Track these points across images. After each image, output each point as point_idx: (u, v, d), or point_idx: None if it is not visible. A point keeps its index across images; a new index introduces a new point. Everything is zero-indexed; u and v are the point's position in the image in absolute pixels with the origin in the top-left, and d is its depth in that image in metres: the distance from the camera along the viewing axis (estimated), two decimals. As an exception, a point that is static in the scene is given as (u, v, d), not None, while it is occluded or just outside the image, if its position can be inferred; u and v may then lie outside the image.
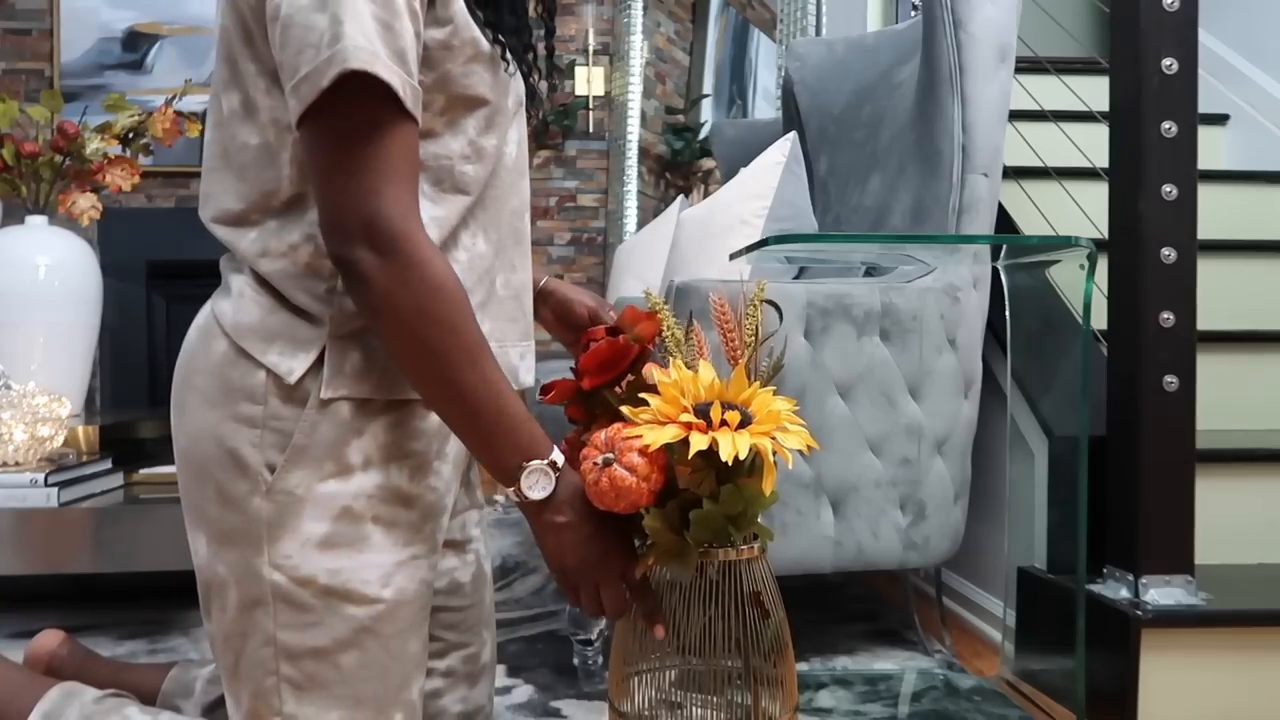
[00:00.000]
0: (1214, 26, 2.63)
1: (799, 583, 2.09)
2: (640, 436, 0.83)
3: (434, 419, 0.94)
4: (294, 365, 0.88)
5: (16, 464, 1.86)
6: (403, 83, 0.81)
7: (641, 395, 0.86)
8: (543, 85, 1.08)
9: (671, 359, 0.90)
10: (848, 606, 2.16)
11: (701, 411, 0.84)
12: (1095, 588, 1.49)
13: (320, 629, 0.89)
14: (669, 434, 0.82)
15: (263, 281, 0.91)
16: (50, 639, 1.30)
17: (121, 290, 3.73)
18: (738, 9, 5.39)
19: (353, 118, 0.81)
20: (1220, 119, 2.72)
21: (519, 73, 0.99)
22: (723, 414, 0.83)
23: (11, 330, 2.32)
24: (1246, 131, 2.69)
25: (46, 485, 1.77)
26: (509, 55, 0.95)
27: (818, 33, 3.43)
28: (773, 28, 4.36)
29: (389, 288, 0.80)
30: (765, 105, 5.30)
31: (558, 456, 0.88)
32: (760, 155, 2.15)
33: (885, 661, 1.78)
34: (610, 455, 0.83)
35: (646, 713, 0.91)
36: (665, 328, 0.94)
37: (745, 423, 0.84)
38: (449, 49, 0.88)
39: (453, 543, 1.09)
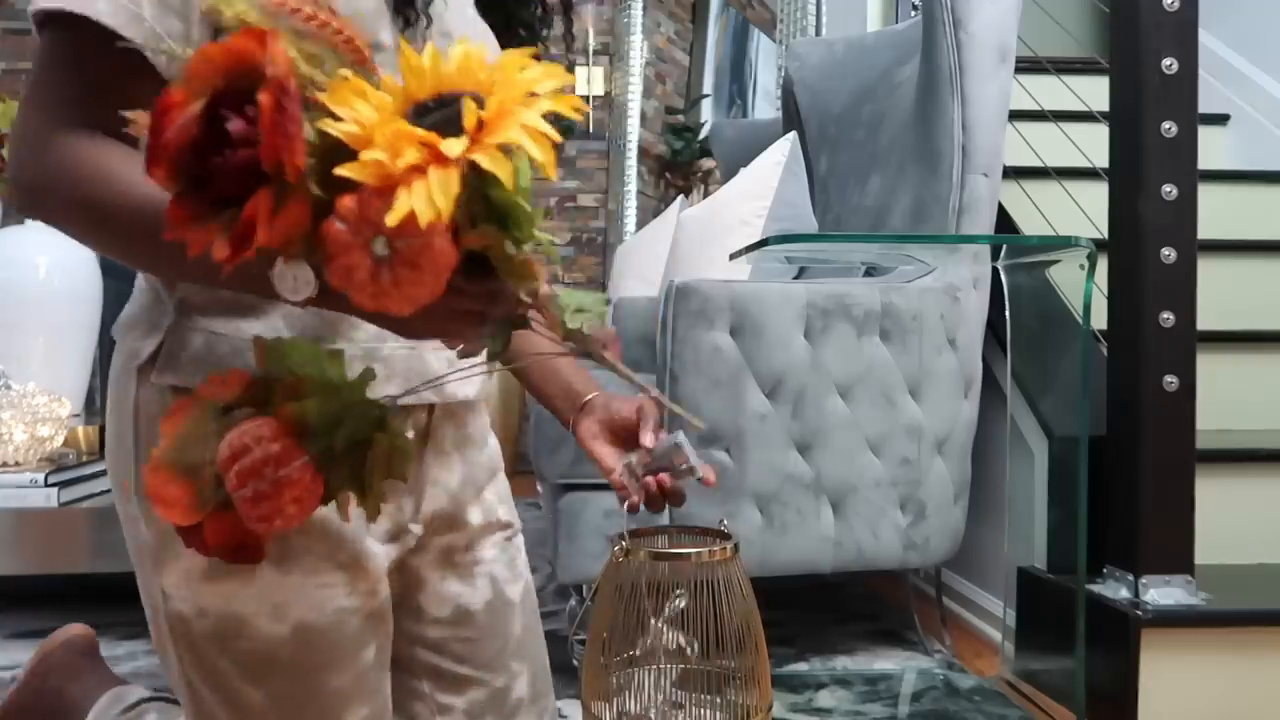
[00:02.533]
0: (1214, 26, 2.63)
1: (799, 583, 2.10)
2: (407, 208, 0.52)
3: None
4: (142, 346, 0.84)
5: (16, 464, 1.86)
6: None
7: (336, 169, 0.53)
8: None
9: (328, 81, 0.57)
10: (848, 606, 2.16)
11: (438, 118, 0.54)
12: (1095, 588, 1.49)
13: (220, 663, 0.84)
14: (448, 181, 0.52)
15: (146, 277, 0.88)
16: (75, 632, 1.35)
17: (121, 290, 3.72)
18: (738, 9, 5.39)
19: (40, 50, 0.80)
20: (1220, 119, 2.72)
21: (433, 17, 0.89)
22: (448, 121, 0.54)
23: (11, 330, 2.33)
24: (1246, 131, 2.69)
25: (46, 485, 1.77)
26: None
27: (818, 33, 3.43)
28: (773, 28, 4.36)
29: (36, 198, 0.75)
30: (765, 105, 5.30)
31: None
32: (760, 155, 2.15)
33: (885, 661, 1.78)
34: (384, 239, 0.54)
35: (626, 713, 0.91)
36: (287, 48, 0.55)
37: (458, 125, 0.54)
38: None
39: (454, 566, 1.00)
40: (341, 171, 0.52)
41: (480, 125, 0.53)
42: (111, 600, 2.12)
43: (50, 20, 0.75)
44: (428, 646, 0.98)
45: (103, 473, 1.97)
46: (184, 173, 0.54)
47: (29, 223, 2.40)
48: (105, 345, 3.44)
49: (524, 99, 0.54)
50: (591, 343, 0.67)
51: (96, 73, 0.75)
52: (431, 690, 0.98)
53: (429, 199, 0.51)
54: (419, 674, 0.98)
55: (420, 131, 0.52)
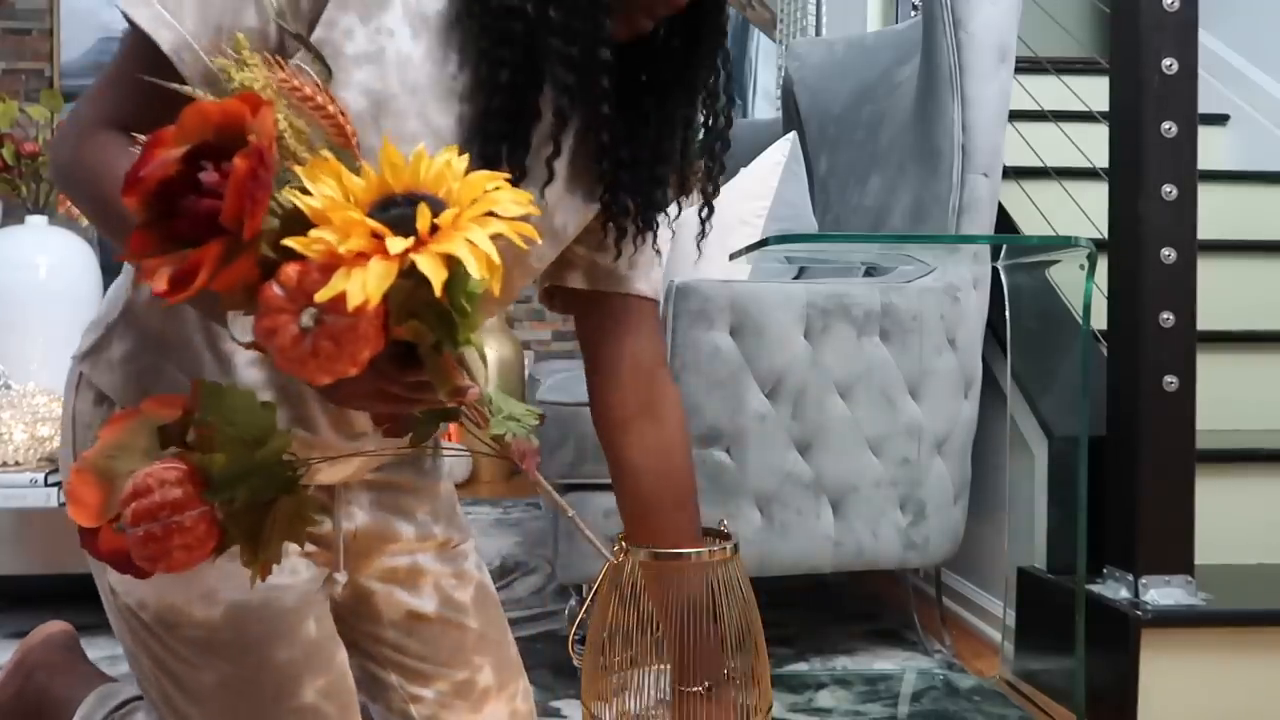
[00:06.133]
0: (1214, 26, 2.63)
1: (799, 583, 2.10)
2: (339, 289, 0.56)
3: None
4: (84, 342, 0.88)
5: (16, 464, 1.86)
6: (150, 20, 0.76)
7: (293, 240, 0.57)
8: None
9: (310, 161, 0.61)
10: (848, 606, 2.16)
11: (395, 214, 0.58)
12: (1095, 588, 1.49)
13: (168, 652, 0.87)
14: (384, 273, 0.55)
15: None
16: None
17: (121, 290, 3.74)
18: (738, 9, 5.39)
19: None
20: (1220, 119, 2.72)
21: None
22: (416, 219, 0.57)
23: (11, 330, 2.33)
24: (1246, 131, 2.69)
25: (46, 485, 1.77)
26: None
27: (818, 33, 3.43)
28: (773, 28, 4.36)
29: (57, 177, 0.82)
30: (765, 105, 5.30)
31: None
32: (760, 155, 2.15)
33: (885, 661, 1.78)
34: (313, 311, 0.57)
35: (626, 713, 0.91)
36: (282, 117, 0.62)
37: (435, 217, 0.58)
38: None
39: (398, 579, 1.03)
40: (289, 243, 0.56)
41: (433, 230, 0.57)
42: (111, 600, 2.12)
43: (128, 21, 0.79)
44: (389, 646, 1.02)
45: (103, 473, 1.97)
46: (152, 206, 0.58)
47: (29, 222, 2.40)
48: (105, 345, 3.45)
49: (480, 216, 0.58)
50: (512, 451, 0.71)
51: (137, 78, 0.77)
52: (400, 683, 1.03)
53: (362, 284, 0.54)
54: (387, 668, 1.03)
55: (372, 222, 0.56)
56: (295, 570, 0.91)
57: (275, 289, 0.57)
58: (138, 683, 0.93)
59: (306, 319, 0.57)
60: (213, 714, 0.88)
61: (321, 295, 0.55)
